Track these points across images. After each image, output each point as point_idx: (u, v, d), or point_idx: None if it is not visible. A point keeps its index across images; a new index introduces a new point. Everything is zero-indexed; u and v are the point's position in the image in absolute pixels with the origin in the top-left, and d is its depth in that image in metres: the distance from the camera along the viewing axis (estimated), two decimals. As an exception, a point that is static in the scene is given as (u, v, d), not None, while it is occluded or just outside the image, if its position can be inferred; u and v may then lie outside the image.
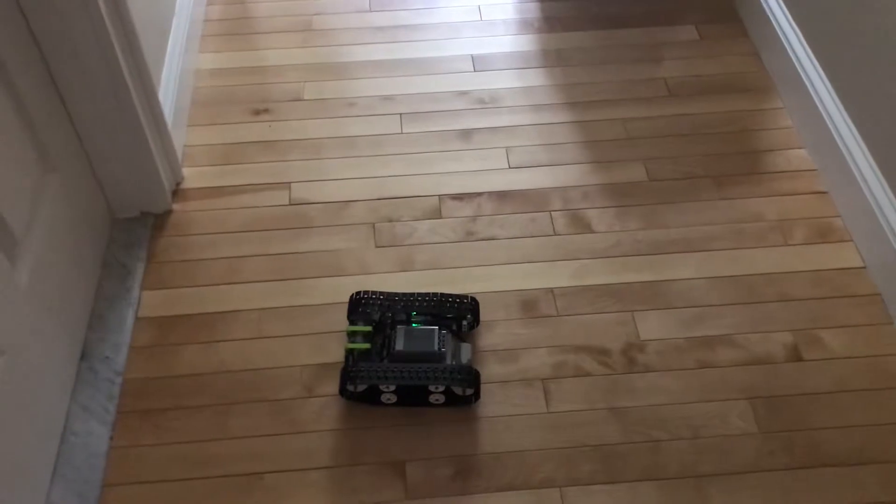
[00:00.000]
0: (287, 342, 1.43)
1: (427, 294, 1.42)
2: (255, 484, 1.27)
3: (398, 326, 1.37)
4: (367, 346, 1.36)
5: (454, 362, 1.34)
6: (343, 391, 1.33)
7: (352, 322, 1.40)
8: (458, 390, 1.30)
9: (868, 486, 1.25)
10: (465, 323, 1.40)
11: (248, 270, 1.54)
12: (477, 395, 1.33)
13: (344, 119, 1.82)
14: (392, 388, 1.30)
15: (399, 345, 1.34)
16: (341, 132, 1.79)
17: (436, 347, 1.34)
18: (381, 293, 1.42)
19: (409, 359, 1.33)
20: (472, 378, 1.31)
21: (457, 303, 1.41)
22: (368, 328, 1.38)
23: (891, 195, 1.45)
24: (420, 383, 1.29)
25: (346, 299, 1.46)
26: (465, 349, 1.37)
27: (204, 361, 1.41)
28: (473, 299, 1.43)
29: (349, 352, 1.36)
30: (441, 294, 1.42)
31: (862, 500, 1.24)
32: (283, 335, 1.44)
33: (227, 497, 1.25)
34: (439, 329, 1.36)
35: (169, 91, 1.68)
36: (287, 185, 1.69)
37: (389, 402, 1.33)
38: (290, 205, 1.65)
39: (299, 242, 1.59)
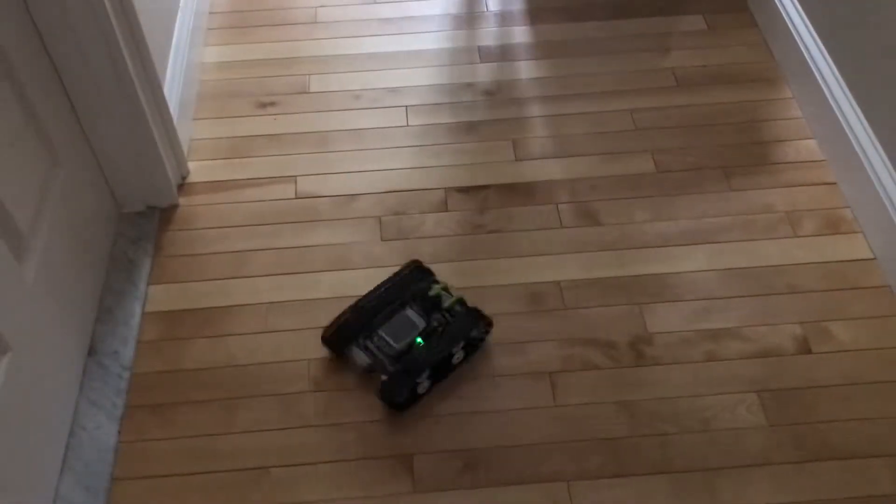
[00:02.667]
0: (294, 336, 1.43)
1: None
2: (262, 478, 1.27)
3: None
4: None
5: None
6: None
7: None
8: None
9: (879, 480, 1.24)
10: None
11: (255, 264, 1.54)
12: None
13: (350, 112, 1.81)
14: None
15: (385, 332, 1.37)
16: (347, 125, 1.78)
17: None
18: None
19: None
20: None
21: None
22: None
23: (901, 186, 1.44)
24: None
25: (352, 293, 1.46)
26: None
27: (211, 355, 1.41)
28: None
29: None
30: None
31: (873, 493, 1.23)
32: (290, 329, 1.44)
33: (235, 491, 1.26)
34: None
35: (174, 85, 1.67)
36: (293, 179, 1.68)
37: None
38: (297, 198, 1.65)
39: (306, 236, 1.58)
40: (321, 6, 2.06)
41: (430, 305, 1.37)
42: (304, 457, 1.29)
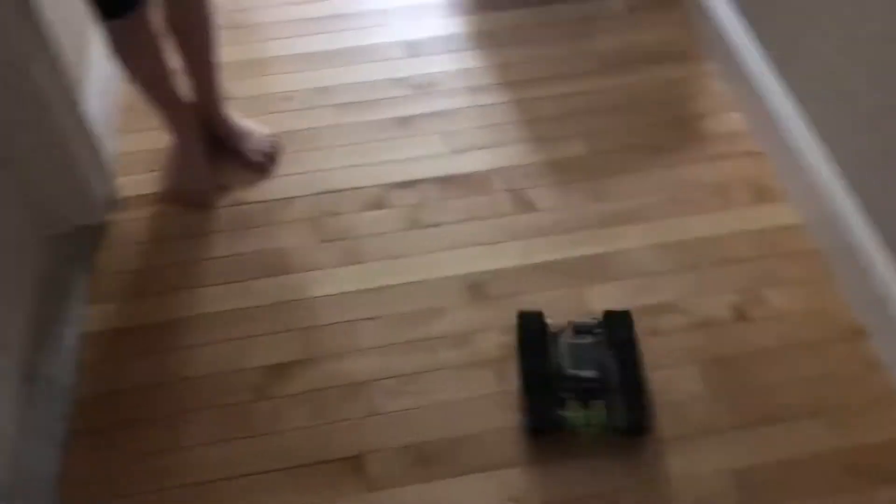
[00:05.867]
0: (236, 345, 1.42)
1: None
2: (210, 492, 1.25)
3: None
4: None
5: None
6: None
7: None
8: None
9: (822, 435, 1.28)
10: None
11: (193, 276, 1.52)
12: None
13: (278, 115, 1.79)
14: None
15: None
16: (276, 128, 1.76)
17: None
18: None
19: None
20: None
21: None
22: None
23: (824, 151, 1.48)
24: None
25: (295, 297, 1.45)
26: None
27: (154, 372, 1.39)
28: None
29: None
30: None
31: (819, 449, 1.27)
32: (231, 339, 1.43)
33: (187, 507, 1.24)
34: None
35: (94, 98, 1.63)
36: (225, 186, 1.66)
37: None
38: (231, 206, 1.63)
39: (242, 244, 1.56)
40: (240, 10, 2.02)
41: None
42: (254, 467, 1.28)
